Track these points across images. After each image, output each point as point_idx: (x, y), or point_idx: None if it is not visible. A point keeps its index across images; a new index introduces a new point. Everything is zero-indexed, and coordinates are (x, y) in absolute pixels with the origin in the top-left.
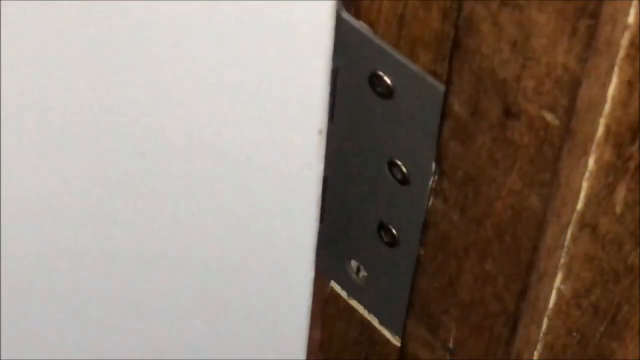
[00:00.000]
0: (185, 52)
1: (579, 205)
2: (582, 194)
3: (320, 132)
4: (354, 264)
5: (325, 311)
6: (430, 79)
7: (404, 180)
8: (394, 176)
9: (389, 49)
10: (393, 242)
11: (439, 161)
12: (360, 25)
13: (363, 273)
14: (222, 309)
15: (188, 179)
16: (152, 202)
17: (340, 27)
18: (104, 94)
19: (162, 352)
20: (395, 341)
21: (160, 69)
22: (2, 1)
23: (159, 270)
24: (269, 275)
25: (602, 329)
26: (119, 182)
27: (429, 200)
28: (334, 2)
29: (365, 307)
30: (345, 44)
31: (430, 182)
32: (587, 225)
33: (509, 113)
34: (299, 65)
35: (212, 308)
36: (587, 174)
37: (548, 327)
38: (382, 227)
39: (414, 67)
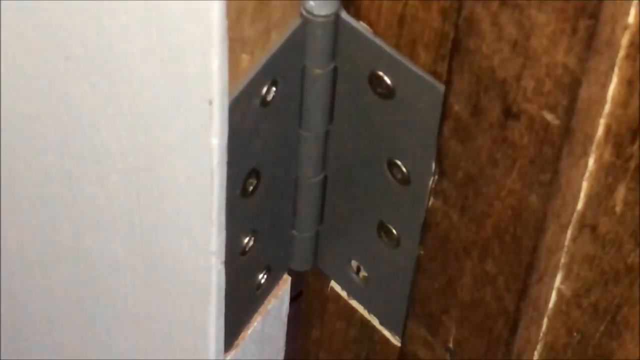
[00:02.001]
0: (75, 23)
1: (579, 205)
2: (582, 194)
3: (210, 102)
4: (354, 264)
5: (325, 311)
6: (430, 79)
7: (404, 180)
8: (394, 176)
9: (389, 49)
10: (393, 242)
11: (439, 161)
12: (360, 25)
13: (363, 273)
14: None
15: (96, 124)
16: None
17: (340, 27)
18: None
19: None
20: (395, 341)
21: (51, 43)
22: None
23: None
24: (172, 245)
25: (602, 329)
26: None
27: (429, 200)
28: None
29: (365, 307)
30: (345, 44)
31: (430, 182)
32: (587, 225)
33: (509, 113)
34: (190, 35)
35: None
36: (587, 174)
37: (548, 327)
38: (382, 227)
39: (414, 67)
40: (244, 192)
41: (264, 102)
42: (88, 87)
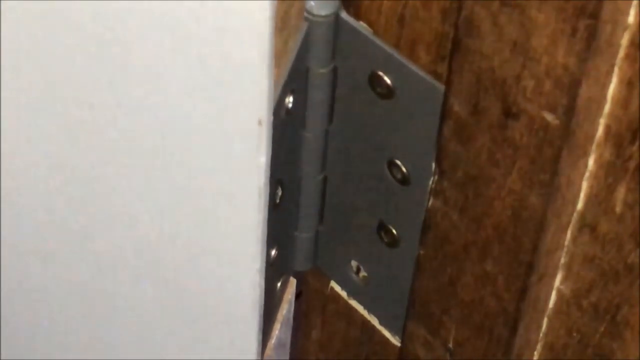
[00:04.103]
0: (127, 37)
1: (579, 205)
2: (582, 194)
3: (260, 122)
4: (354, 264)
5: (325, 311)
6: (430, 79)
7: (404, 180)
8: (394, 176)
9: (389, 49)
10: (393, 242)
11: (439, 161)
12: (360, 25)
13: (363, 273)
14: (158, 306)
15: (127, 170)
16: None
17: (340, 27)
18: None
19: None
20: (395, 341)
21: (104, 57)
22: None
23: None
24: (212, 268)
25: (602, 329)
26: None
27: (429, 200)
28: None
29: (365, 307)
30: (345, 44)
31: (430, 182)
32: (587, 225)
33: (509, 113)
34: (240, 56)
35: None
36: (587, 174)
37: (548, 327)
38: (382, 227)
39: (414, 67)
40: (274, 205)
41: (287, 112)
42: (115, 132)
